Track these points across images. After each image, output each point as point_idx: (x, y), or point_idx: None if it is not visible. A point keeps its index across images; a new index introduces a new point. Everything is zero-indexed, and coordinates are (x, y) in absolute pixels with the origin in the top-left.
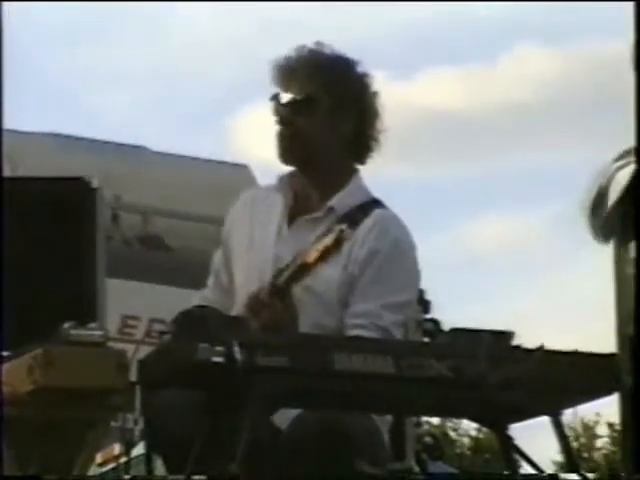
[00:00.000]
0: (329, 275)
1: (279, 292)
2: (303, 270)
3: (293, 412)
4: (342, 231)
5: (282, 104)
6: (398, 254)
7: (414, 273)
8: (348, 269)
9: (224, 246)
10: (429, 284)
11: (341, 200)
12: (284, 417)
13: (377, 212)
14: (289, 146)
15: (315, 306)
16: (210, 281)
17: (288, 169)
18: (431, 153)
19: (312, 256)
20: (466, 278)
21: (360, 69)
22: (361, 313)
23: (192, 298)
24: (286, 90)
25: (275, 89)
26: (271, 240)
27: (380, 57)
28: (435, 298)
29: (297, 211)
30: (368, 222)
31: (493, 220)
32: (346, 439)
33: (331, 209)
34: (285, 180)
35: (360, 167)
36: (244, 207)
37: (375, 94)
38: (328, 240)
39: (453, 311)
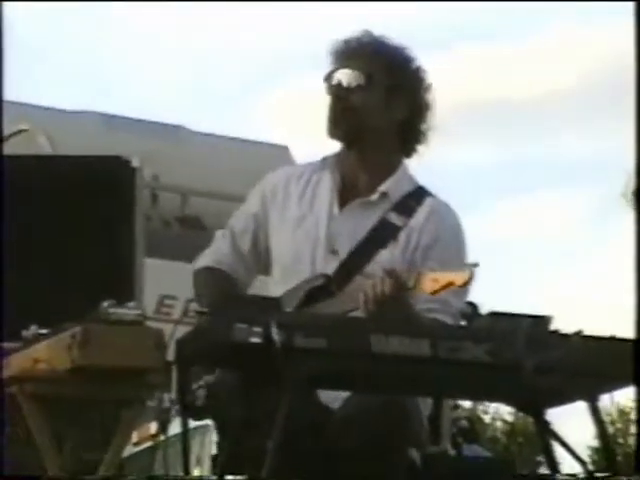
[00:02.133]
0: (387, 261)
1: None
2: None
3: (343, 392)
4: (471, 278)
5: (339, 81)
6: (456, 241)
7: (467, 258)
8: (406, 256)
9: (257, 216)
10: None
11: (393, 186)
12: (334, 397)
13: (430, 200)
14: (340, 120)
15: None
16: (224, 243)
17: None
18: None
19: (428, 286)
20: (502, 262)
21: (417, 61)
22: (431, 298)
23: (200, 257)
24: (344, 67)
25: (332, 68)
26: (323, 220)
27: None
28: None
29: (346, 192)
30: (423, 210)
31: (526, 204)
32: (406, 423)
33: (384, 194)
34: (331, 160)
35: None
36: (287, 182)
37: (429, 87)
38: (457, 278)
39: (489, 295)
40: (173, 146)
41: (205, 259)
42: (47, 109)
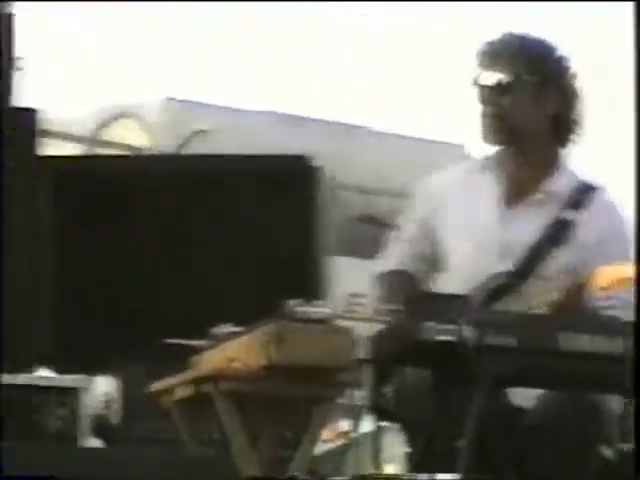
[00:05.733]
0: (562, 260)
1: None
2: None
3: (533, 391)
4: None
5: (486, 85)
6: (625, 236)
7: (634, 253)
8: (577, 253)
9: (425, 221)
10: None
11: (560, 183)
12: (525, 396)
13: (598, 195)
14: (495, 126)
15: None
16: (402, 247)
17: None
18: None
19: (600, 282)
20: None
21: (559, 52)
22: (606, 295)
23: (380, 261)
24: (490, 71)
25: (479, 72)
26: (494, 223)
27: None
28: None
29: (511, 192)
30: (592, 207)
31: None
32: (598, 421)
33: (552, 192)
34: (494, 160)
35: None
36: (448, 187)
37: (575, 75)
38: (628, 272)
39: None
40: (353, 146)
41: (387, 262)
42: (227, 109)
